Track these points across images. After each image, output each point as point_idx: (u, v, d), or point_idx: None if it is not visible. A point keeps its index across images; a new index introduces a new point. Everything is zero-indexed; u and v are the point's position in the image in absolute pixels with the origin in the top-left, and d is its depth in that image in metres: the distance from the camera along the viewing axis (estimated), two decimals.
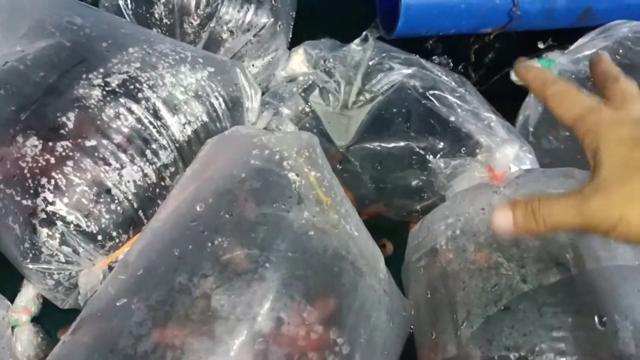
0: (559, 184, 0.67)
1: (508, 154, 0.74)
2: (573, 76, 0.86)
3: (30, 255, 0.60)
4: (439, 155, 0.85)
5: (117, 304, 0.52)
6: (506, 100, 0.94)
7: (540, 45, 0.95)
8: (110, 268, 0.63)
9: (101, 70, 0.67)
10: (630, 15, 0.94)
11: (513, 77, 0.95)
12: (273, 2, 0.91)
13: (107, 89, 0.65)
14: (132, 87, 0.66)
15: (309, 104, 0.93)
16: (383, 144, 0.86)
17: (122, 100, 0.65)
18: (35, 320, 0.69)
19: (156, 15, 0.88)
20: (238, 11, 0.88)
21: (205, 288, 0.50)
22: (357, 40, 0.96)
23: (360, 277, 0.58)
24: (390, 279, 0.65)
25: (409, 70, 0.90)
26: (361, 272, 0.58)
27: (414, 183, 0.86)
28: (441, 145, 0.86)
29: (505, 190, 0.68)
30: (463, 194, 0.73)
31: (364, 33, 0.98)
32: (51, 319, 0.70)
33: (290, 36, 0.99)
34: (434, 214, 0.74)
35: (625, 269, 0.60)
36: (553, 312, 0.56)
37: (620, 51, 0.85)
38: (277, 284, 0.52)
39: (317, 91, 0.94)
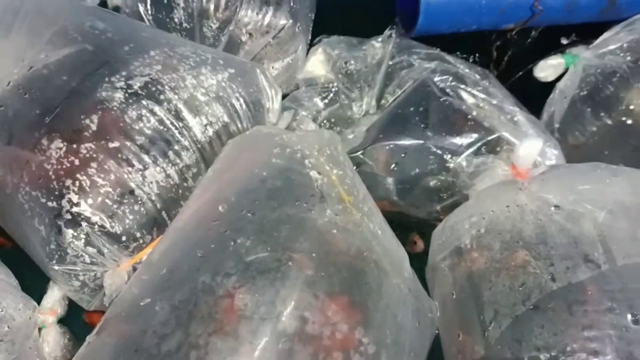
0: (586, 180, 0.65)
1: (532, 149, 0.72)
2: (599, 70, 0.85)
3: (56, 256, 0.61)
4: (459, 154, 0.82)
5: (141, 304, 0.52)
6: (530, 97, 0.93)
7: (564, 41, 0.94)
8: (135, 269, 0.64)
9: (123, 73, 0.67)
10: None
11: (537, 73, 0.96)
12: (292, 4, 0.91)
13: (129, 91, 0.66)
14: (154, 89, 0.67)
15: (329, 109, 0.93)
16: (399, 144, 0.83)
17: (144, 102, 0.65)
18: (61, 321, 0.70)
19: (176, 20, 0.89)
20: (257, 13, 0.89)
21: (228, 287, 0.50)
22: (377, 38, 0.95)
23: (385, 276, 0.58)
24: (415, 278, 0.65)
25: (430, 65, 0.89)
26: (385, 271, 0.58)
27: (432, 184, 0.84)
28: (460, 143, 0.83)
29: (531, 187, 0.66)
30: (487, 192, 0.72)
31: (385, 33, 0.97)
32: (78, 321, 0.71)
33: (310, 37, 0.99)
34: (458, 213, 0.73)
35: None
36: (584, 310, 0.55)
37: None
38: (301, 283, 0.51)
39: (339, 101, 0.93)
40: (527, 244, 0.61)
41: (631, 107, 0.82)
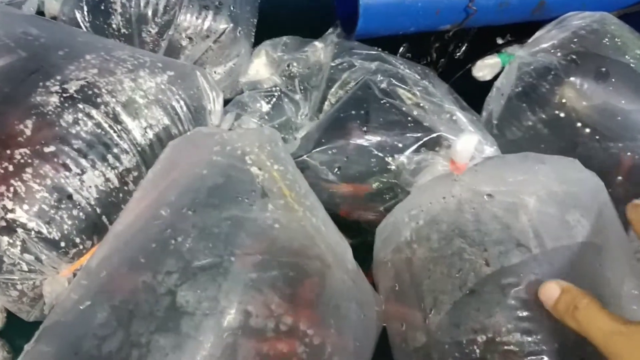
0: (516, 169, 0.68)
1: (469, 144, 0.75)
2: (532, 67, 0.88)
3: None
4: (400, 154, 0.83)
5: (81, 308, 0.51)
6: (469, 96, 0.96)
7: (499, 41, 0.97)
8: (75, 276, 0.63)
9: (58, 77, 0.66)
10: (582, 7, 0.97)
11: (475, 73, 0.99)
12: (232, 8, 0.91)
13: (64, 95, 0.65)
14: (90, 92, 0.66)
15: (272, 113, 0.93)
16: (341, 147, 0.84)
17: (80, 105, 0.65)
18: (0, 334, 0.68)
19: (114, 26, 0.88)
20: (196, 18, 0.89)
21: (169, 285, 0.50)
22: (319, 39, 0.96)
23: (328, 269, 0.58)
24: (359, 272, 0.66)
25: (371, 66, 0.90)
26: (328, 264, 0.59)
27: (374, 186, 0.85)
28: (401, 144, 0.83)
29: (465, 178, 0.69)
30: (424, 186, 0.74)
31: (326, 34, 0.99)
32: (16, 333, 0.69)
33: (253, 41, 1.00)
34: (398, 208, 0.74)
35: (585, 245, 0.61)
36: (516, 292, 0.57)
37: (576, 40, 0.87)
38: (244, 277, 0.52)
39: (284, 104, 0.93)
40: (462, 232, 0.63)
41: (564, 100, 0.84)
